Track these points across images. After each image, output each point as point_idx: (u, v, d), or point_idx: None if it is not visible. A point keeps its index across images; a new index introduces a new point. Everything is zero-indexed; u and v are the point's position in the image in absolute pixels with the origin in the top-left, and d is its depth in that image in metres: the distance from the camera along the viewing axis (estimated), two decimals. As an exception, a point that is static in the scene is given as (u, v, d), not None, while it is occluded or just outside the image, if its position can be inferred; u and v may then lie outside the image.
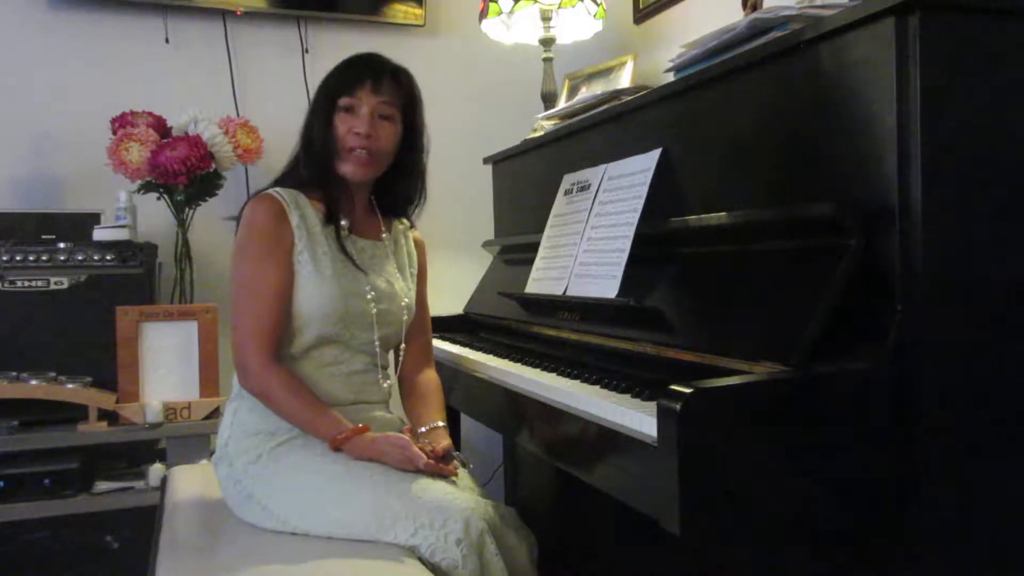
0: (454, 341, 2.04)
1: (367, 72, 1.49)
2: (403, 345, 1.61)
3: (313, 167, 1.51)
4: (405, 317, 1.56)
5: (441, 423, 1.55)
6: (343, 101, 1.48)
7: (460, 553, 1.26)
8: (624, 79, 2.29)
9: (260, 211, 1.46)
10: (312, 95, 1.55)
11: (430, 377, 1.66)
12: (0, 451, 2.00)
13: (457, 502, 1.30)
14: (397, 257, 1.62)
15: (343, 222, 1.51)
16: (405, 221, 1.68)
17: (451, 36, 2.88)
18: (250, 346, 1.40)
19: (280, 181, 1.54)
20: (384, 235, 1.60)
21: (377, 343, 1.51)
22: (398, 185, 1.60)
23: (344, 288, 1.46)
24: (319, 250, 1.47)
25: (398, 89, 1.52)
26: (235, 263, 1.46)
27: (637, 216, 1.48)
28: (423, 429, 1.53)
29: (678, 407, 0.95)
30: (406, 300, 1.56)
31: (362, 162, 1.49)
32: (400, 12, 2.75)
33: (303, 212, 1.48)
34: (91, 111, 2.39)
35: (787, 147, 1.26)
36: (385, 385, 1.55)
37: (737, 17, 1.54)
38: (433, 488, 1.33)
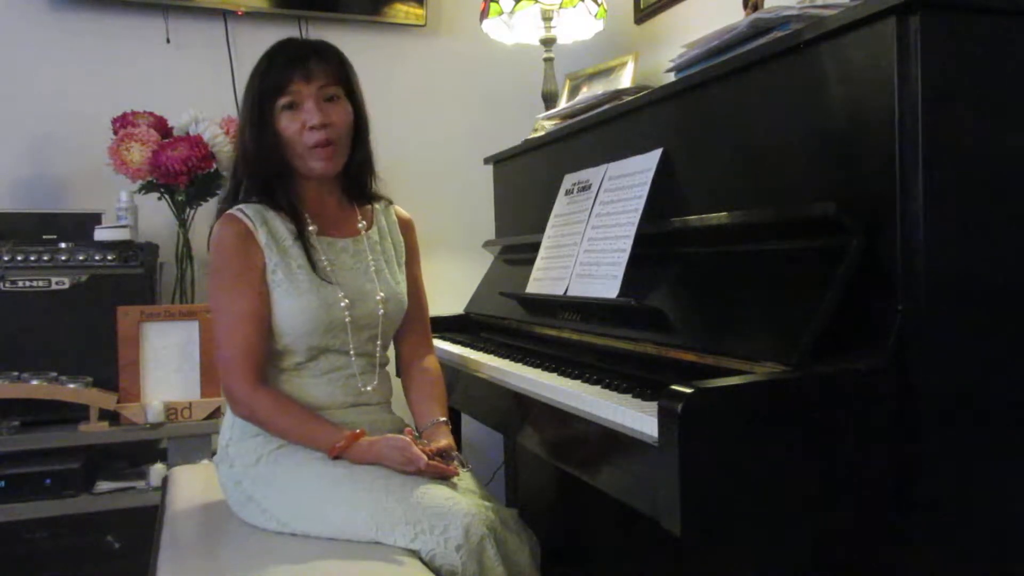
0: (455, 341, 2.04)
1: (292, 62, 1.41)
2: (380, 342, 1.53)
3: (258, 179, 1.44)
4: (381, 312, 1.50)
5: (442, 418, 1.52)
6: (282, 100, 1.41)
7: (460, 559, 1.25)
8: (625, 79, 2.29)
9: (226, 235, 1.42)
10: (240, 103, 1.46)
11: (430, 365, 1.62)
12: (1, 451, 2.00)
13: (458, 507, 1.29)
14: (382, 248, 1.57)
15: (311, 227, 1.46)
16: (383, 201, 1.61)
17: (452, 36, 2.88)
18: (234, 374, 1.39)
19: (229, 199, 1.49)
20: (362, 226, 1.55)
21: (352, 349, 1.47)
22: (354, 160, 1.51)
23: (324, 298, 1.43)
24: (293, 264, 1.43)
25: (328, 66, 1.44)
26: (210, 291, 1.44)
27: (638, 216, 1.48)
28: (424, 428, 1.52)
29: (679, 407, 0.95)
30: (381, 295, 1.51)
31: (329, 154, 1.44)
32: (401, 12, 2.76)
33: (270, 228, 1.43)
34: (92, 111, 2.39)
35: (788, 147, 1.26)
36: (384, 385, 1.54)
37: (738, 17, 1.54)
38: (434, 493, 1.32)
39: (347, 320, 1.45)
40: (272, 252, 1.42)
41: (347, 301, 1.45)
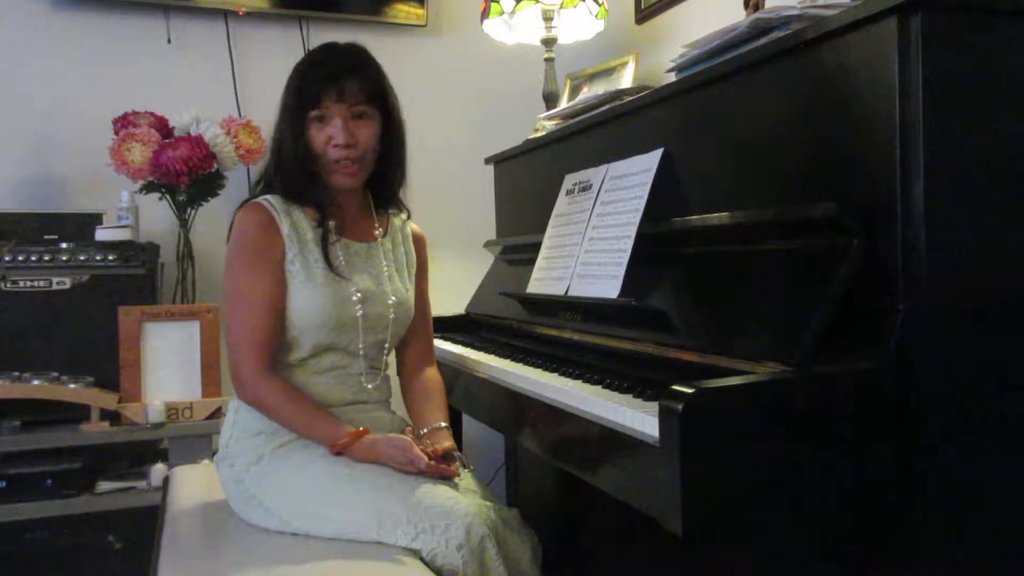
0: (455, 341, 2.04)
1: (326, 80, 1.43)
2: (387, 345, 1.55)
3: (288, 180, 1.47)
4: (392, 316, 1.52)
5: (443, 423, 1.54)
6: (313, 113, 1.44)
7: (461, 559, 1.26)
8: (626, 79, 2.29)
9: (249, 221, 1.44)
10: (281, 101, 1.50)
11: (431, 376, 1.65)
12: (2, 451, 2.00)
13: (459, 507, 1.30)
14: (395, 256, 1.60)
15: (330, 223, 1.48)
16: (402, 216, 1.65)
17: (453, 36, 2.88)
18: (244, 358, 1.40)
19: (262, 191, 1.51)
20: (378, 233, 1.58)
21: (362, 347, 1.49)
22: (386, 174, 1.56)
23: (337, 295, 1.45)
24: (311, 258, 1.45)
25: (363, 84, 1.46)
26: (227, 275, 1.45)
27: (639, 216, 1.48)
28: (425, 430, 1.52)
29: (680, 407, 0.95)
30: (393, 299, 1.53)
31: (350, 171, 1.47)
32: (402, 12, 2.76)
33: (293, 220, 1.46)
34: (93, 111, 2.39)
35: (789, 147, 1.26)
36: (384, 385, 1.55)
37: (739, 17, 1.54)
38: (435, 492, 1.32)
39: (359, 316, 1.47)
40: (293, 243, 1.44)
41: (359, 296, 1.47)
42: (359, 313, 1.47)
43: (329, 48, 1.50)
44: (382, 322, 1.52)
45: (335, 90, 1.44)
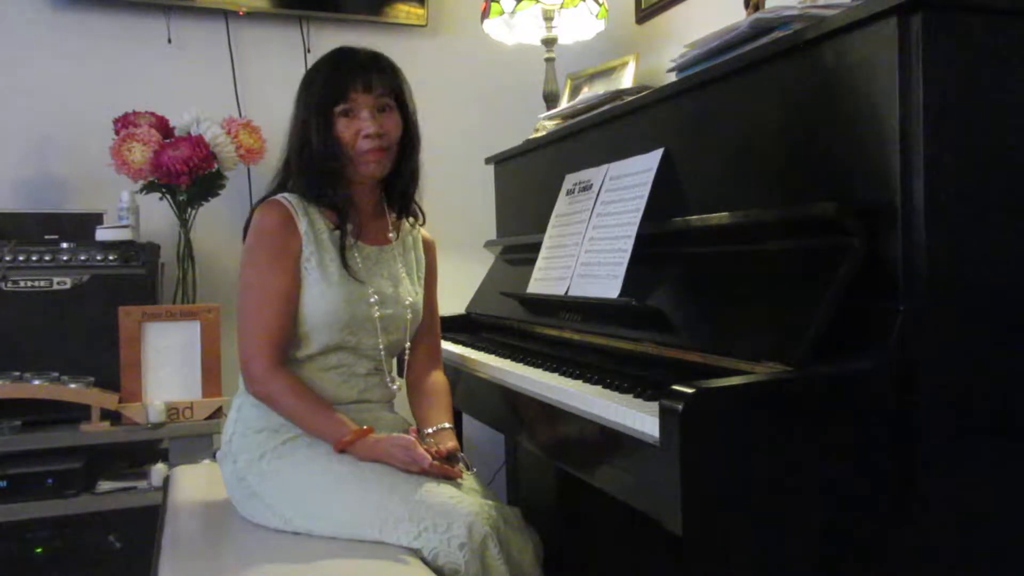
0: (456, 341, 2.04)
1: (356, 73, 1.46)
2: (408, 345, 1.59)
3: (311, 177, 1.48)
4: (409, 316, 1.55)
5: (448, 424, 1.54)
6: (340, 107, 1.46)
7: (463, 558, 1.26)
8: (626, 79, 2.29)
9: (269, 217, 1.46)
10: (299, 101, 1.51)
11: (438, 379, 1.65)
12: (3, 451, 2.00)
13: (461, 506, 1.30)
14: (405, 260, 1.61)
15: (348, 225, 1.50)
16: (413, 220, 1.66)
17: (453, 36, 2.88)
18: (256, 351, 1.41)
19: (278, 189, 1.53)
20: (391, 236, 1.59)
21: (382, 349, 1.51)
22: (403, 171, 1.56)
23: (350, 295, 1.46)
24: (326, 256, 1.47)
25: (385, 78, 1.49)
26: (243, 268, 1.47)
27: (639, 216, 1.48)
28: (430, 430, 1.53)
29: (680, 407, 0.95)
30: (410, 300, 1.55)
31: (379, 159, 1.48)
32: (402, 12, 2.76)
33: (311, 218, 1.47)
34: (94, 111, 2.39)
35: (789, 147, 1.26)
36: (391, 387, 1.56)
37: (739, 17, 1.54)
38: (438, 491, 1.33)
39: (376, 317, 1.48)
40: (309, 240, 1.46)
41: (376, 298, 1.49)
42: (376, 314, 1.48)
43: (348, 48, 1.52)
44: (399, 323, 1.53)
45: (362, 82, 1.46)
